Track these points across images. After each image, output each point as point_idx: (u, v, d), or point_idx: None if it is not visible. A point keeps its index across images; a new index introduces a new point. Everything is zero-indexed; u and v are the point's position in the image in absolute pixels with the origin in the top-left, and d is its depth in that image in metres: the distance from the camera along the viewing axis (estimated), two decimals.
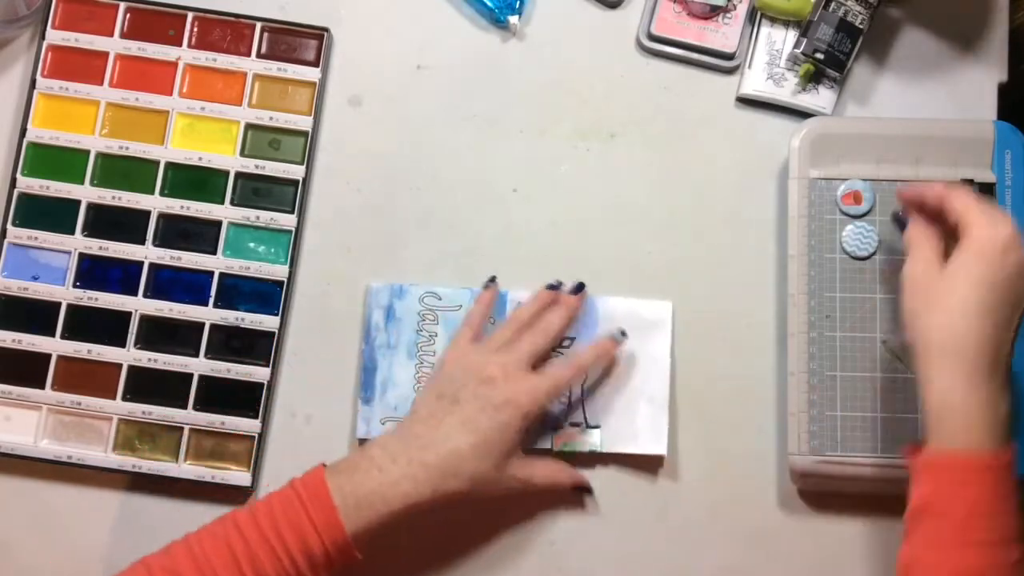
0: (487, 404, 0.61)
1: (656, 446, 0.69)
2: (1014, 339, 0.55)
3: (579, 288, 0.69)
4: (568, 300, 0.69)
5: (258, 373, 0.70)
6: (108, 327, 0.70)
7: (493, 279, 0.70)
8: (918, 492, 0.55)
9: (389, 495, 0.59)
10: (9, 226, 0.71)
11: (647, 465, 0.70)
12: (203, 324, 0.70)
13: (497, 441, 0.61)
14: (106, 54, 0.72)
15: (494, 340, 0.66)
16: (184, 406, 0.69)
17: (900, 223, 0.65)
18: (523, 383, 0.63)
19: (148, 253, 0.71)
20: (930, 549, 0.53)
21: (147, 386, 0.70)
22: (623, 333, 0.69)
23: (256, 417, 0.69)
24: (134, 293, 0.70)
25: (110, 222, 0.71)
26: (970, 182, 0.69)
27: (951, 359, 0.53)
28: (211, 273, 0.71)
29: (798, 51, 0.71)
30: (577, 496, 0.69)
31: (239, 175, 0.72)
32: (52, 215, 0.71)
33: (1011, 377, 0.55)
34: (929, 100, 0.74)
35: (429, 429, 0.61)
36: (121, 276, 0.71)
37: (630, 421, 0.69)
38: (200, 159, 0.72)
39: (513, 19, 0.74)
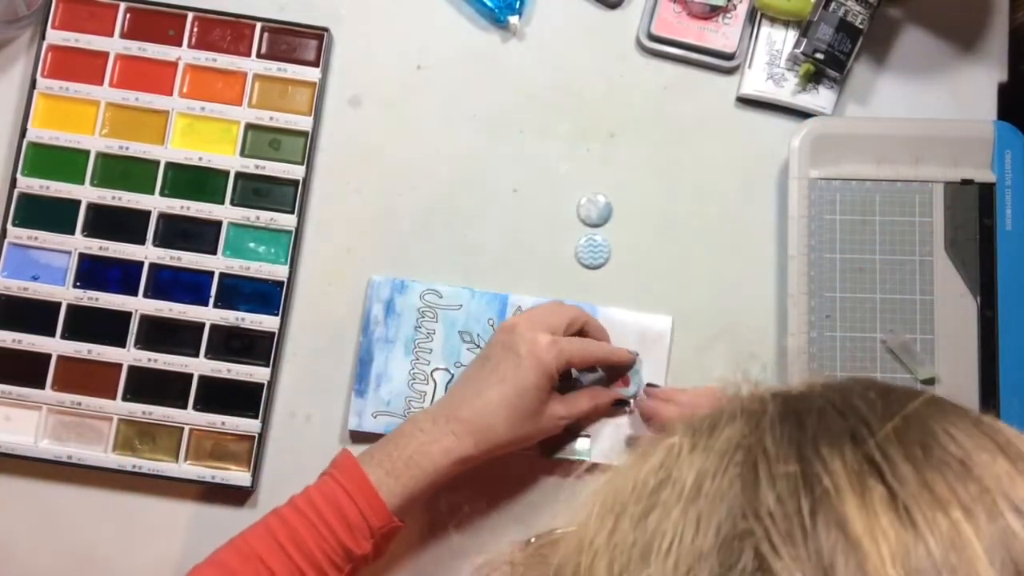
0: (511, 353, 0.62)
1: None
2: None
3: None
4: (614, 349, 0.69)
5: (258, 373, 0.70)
6: (108, 327, 0.70)
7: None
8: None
9: (433, 452, 0.60)
10: (9, 226, 0.71)
11: None
12: (203, 324, 0.70)
13: (527, 388, 0.61)
14: (106, 54, 0.72)
15: (532, 311, 0.67)
16: (184, 406, 0.69)
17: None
18: (544, 336, 0.63)
19: (148, 253, 0.71)
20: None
21: (147, 386, 0.70)
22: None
23: (256, 417, 0.69)
24: (134, 293, 0.70)
25: (110, 222, 0.71)
26: (970, 182, 0.69)
27: None
28: (211, 273, 0.71)
29: (798, 51, 0.71)
30: (619, 410, 0.69)
31: (239, 175, 0.72)
32: (52, 215, 0.71)
33: None
34: (929, 100, 0.74)
35: (465, 389, 0.63)
36: (121, 276, 0.71)
37: (621, 433, 0.69)
38: (200, 159, 0.72)
39: (513, 19, 0.74)
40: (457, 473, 0.61)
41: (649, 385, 0.69)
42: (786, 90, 0.73)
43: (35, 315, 0.70)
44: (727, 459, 0.33)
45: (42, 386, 0.69)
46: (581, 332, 0.67)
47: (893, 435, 0.32)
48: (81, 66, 0.72)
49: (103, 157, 0.72)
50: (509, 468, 0.70)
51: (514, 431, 0.62)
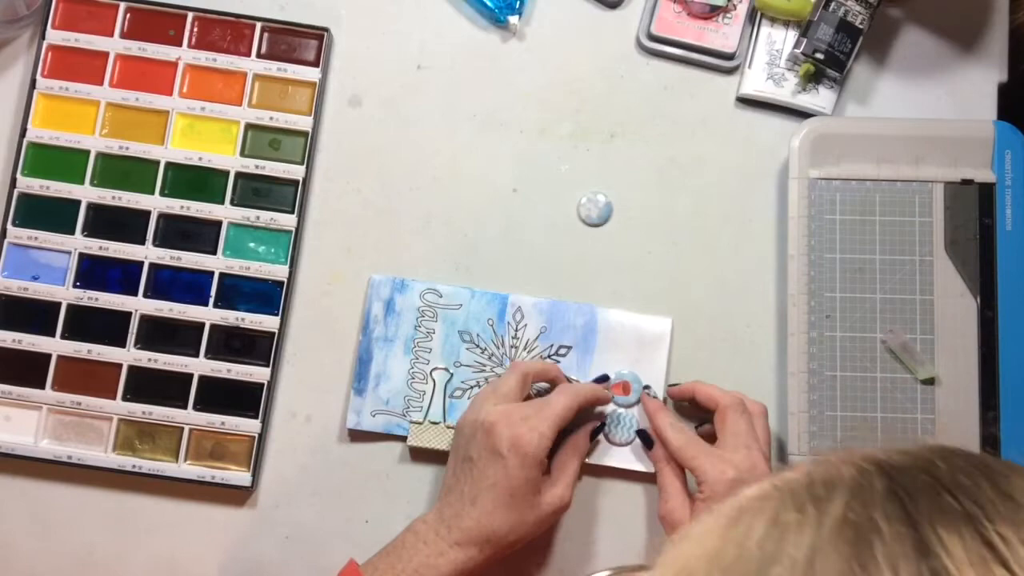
0: (495, 456, 0.61)
1: (645, 463, 0.69)
2: None
3: (601, 379, 0.70)
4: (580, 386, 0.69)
5: (258, 373, 0.70)
6: (108, 327, 0.70)
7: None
8: None
9: (439, 565, 0.60)
10: (9, 226, 0.71)
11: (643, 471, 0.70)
12: (203, 324, 0.70)
13: (518, 486, 0.60)
14: (106, 54, 0.72)
15: (498, 387, 0.65)
16: (184, 406, 0.69)
17: (645, 440, 0.68)
18: (523, 426, 0.61)
19: (148, 253, 0.71)
20: None
21: (147, 386, 0.70)
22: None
23: (256, 417, 0.69)
24: (134, 293, 0.70)
25: (110, 222, 0.71)
26: (970, 182, 0.69)
27: None
28: (211, 273, 0.71)
29: (798, 51, 0.71)
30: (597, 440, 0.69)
31: (239, 175, 0.72)
32: (52, 215, 0.71)
33: None
34: (929, 100, 0.74)
35: (458, 496, 0.62)
36: (121, 276, 0.71)
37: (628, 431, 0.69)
38: (200, 159, 0.72)
39: (513, 19, 0.74)
40: None
41: (671, 386, 0.69)
42: (786, 90, 0.73)
43: (35, 315, 0.70)
44: (838, 537, 0.31)
45: (42, 386, 0.69)
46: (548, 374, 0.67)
47: (1009, 519, 0.31)
48: (81, 66, 0.72)
49: (103, 157, 0.72)
50: None
51: (516, 529, 0.61)
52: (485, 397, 0.64)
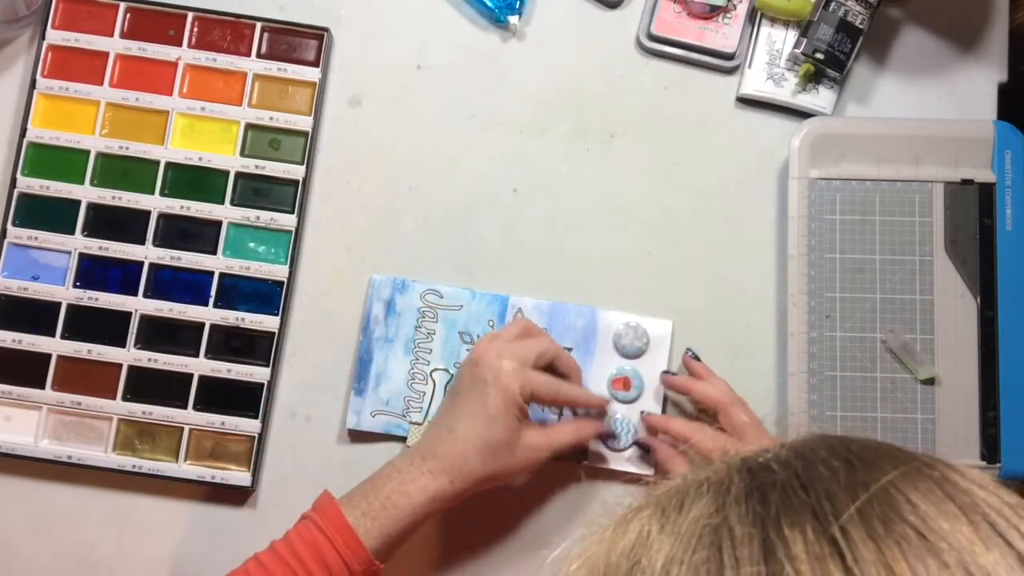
0: (478, 383, 0.61)
1: (643, 466, 0.69)
2: None
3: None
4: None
5: (258, 373, 0.70)
6: (108, 327, 0.70)
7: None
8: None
9: (410, 491, 0.59)
10: (9, 226, 0.71)
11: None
12: (203, 324, 0.70)
13: (495, 418, 0.60)
14: (106, 54, 0.72)
15: (499, 333, 0.65)
16: (184, 406, 0.69)
17: (645, 448, 0.68)
18: (508, 363, 0.61)
19: (148, 253, 0.71)
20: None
21: (147, 386, 0.70)
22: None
23: (256, 417, 0.69)
24: (134, 293, 0.70)
25: (110, 222, 0.71)
26: (970, 182, 0.69)
27: None
28: (211, 273, 0.71)
29: (798, 51, 0.71)
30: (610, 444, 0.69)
31: (239, 175, 0.72)
32: (52, 215, 0.71)
33: None
34: (929, 100, 0.74)
35: (439, 426, 0.62)
36: (121, 276, 0.71)
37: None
38: (200, 159, 0.72)
39: (513, 19, 0.74)
40: (436, 511, 0.60)
41: (665, 372, 0.70)
42: (786, 90, 0.73)
43: (35, 315, 0.70)
44: (694, 542, 0.32)
45: (42, 386, 0.69)
46: (552, 367, 0.64)
47: (855, 511, 0.31)
48: (81, 66, 0.72)
49: (103, 157, 0.72)
50: None
51: (488, 465, 0.60)
52: (484, 339, 0.64)
